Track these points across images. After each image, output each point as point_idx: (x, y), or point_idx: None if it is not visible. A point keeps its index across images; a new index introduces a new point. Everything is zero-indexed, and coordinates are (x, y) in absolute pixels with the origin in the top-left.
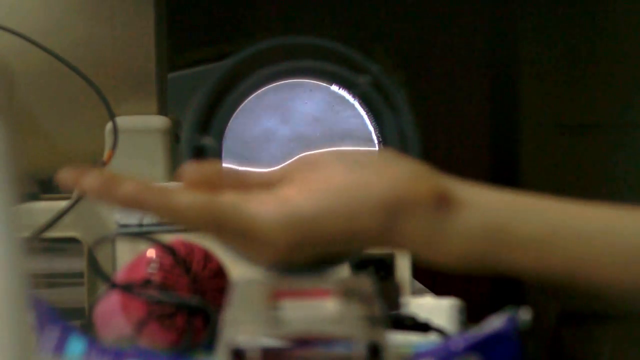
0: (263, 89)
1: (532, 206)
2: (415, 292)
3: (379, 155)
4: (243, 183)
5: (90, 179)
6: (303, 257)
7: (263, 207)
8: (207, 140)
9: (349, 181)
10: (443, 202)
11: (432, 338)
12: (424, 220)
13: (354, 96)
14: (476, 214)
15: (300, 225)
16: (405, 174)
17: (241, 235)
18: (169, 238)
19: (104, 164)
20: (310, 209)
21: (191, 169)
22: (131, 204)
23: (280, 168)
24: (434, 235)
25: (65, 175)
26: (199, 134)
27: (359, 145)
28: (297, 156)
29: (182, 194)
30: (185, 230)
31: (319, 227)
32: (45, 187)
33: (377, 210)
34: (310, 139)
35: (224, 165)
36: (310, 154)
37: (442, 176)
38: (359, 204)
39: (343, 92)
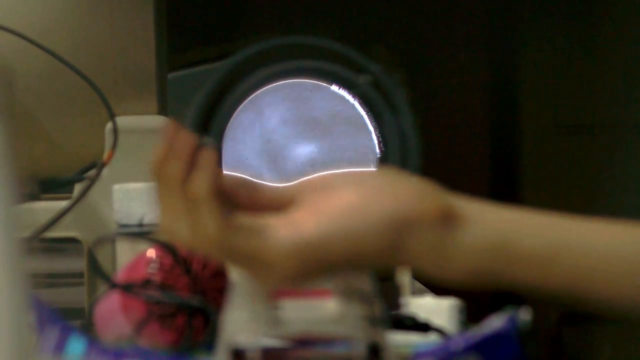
0: (263, 88)
1: (536, 223)
2: (415, 292)
3: (384, 175)
4: (256, 198)
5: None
6: (310, 279)
7: (273, 233)
8: (207, 141)
9: (354, 203)
10: (448, 220)
11: (432, 338)
12: (430, 238)
13: (354, 96)
14: (481, 230)
15: (308, 252)
16: (410, 193)
17: (250, 260)
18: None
19: (104, 164)
20: (318, 234)
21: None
22: (170, 183)
23: (292, 186)
24: (440, 253)
25: (170, 124)
26: (199, 134)
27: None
28: (309, 176)
29: (212, 214)
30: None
31: (327, 253)
32: (45, 187)
33: (384, 231)
34: (310, 139)
35: (239, 176)
36: (320, 176)
37: (447, 194)
38: (365, 225)
39: (343, 92)
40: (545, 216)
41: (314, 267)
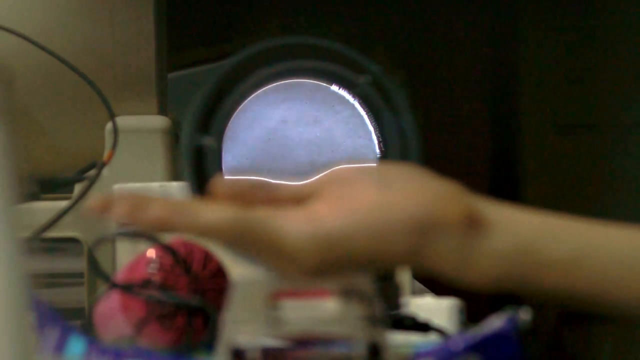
0: (263, 89)
1: (561, 227)
2: (415, 292)
3: (409, 174)
4: (273, 197)
5: (119, 206)
6: (328, 275)
7: (293, 223)
8: (207, 140)
9: (379, 201)
10: (473, 223)
11: (432, 338)
12: (454, 242)
13: (354, 96)
14: (506, 235)
15: (330, 244)
16: (435, 195)
17: (269, 249)
18: (169, 238)
19: (104, 164)
20: (340, 229)
21: (222, 183)
22: (160, 226)
23: (310, 183)
24: (464, 257)
25: (94, 204)
26: (199, 134)
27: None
28: (327, 171)
29: (209, 210)
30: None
31: (349, 247)
32: (45, 187)
33: (407, 231)
34: (310, 140)
35: (254, 178)
36: (339, 169)
37: (473, 196)
38: (389, 225)
39: (343, 92)
40: (571, 221)
41: (334, 263)
